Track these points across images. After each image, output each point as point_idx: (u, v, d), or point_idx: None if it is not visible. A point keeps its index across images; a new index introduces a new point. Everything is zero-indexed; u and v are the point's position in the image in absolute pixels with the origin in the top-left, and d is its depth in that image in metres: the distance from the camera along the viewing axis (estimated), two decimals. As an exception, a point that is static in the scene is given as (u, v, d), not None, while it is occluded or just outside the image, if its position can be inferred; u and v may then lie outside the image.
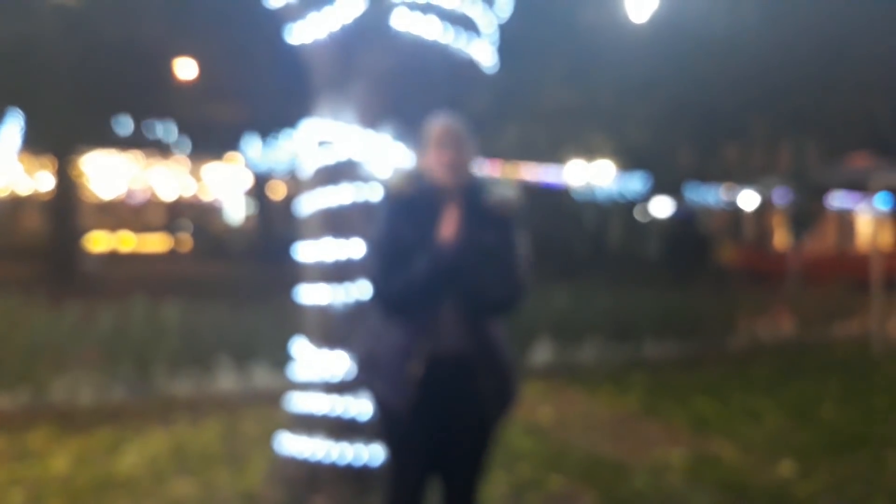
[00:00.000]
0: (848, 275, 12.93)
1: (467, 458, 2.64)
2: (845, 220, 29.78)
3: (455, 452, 2.61)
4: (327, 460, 3.59)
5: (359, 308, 3.53)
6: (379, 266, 2.56)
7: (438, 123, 2.65)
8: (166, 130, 20.84)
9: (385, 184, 2.75)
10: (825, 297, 10.29)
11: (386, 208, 2.63)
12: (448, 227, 2.50)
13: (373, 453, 3.53)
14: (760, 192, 20.56)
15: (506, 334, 2.70)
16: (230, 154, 25.54)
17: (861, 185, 12.64)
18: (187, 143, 22.54)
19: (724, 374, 7.41)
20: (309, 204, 3.76)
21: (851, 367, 7.92)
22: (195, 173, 30.56)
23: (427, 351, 2.48)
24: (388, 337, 2.56)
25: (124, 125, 19.39)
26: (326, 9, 3.62)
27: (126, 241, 28.84)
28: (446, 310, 2.50)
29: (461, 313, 2.51)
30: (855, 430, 5.47)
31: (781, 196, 17.33)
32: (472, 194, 2.61)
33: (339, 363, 3.58)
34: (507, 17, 3.95)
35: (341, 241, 3.61)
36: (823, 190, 16.44)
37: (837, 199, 20.14)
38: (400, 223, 2.56)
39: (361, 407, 3.53)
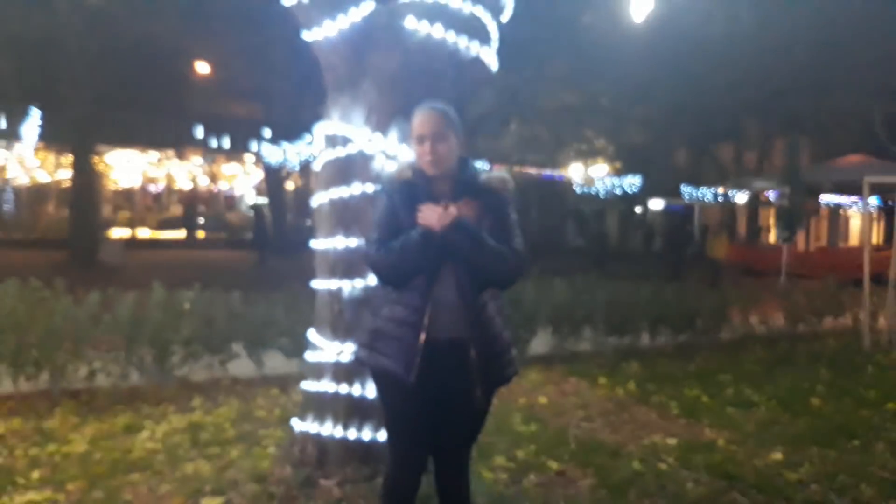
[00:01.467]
0: (839, 270, 13.11)
1: (459, 432, 2.76)
2: (837, 218, 29.99)
3: (448, 426, 2.71)
4: (336, 442, 3.69)
5: (368, 297, 3.62)
6: (377, 239, 2.65)
7: (416, 116, 2.69)
8: (183, 127, 21.01)
9: (389, 175, 2.86)
10: (816, 291, 10.44)
11: (386, 189, 2.74)
12: (428, 217, 2.55)
13: (380, 436, 3.60)
14: (754, 191, 20.67)
15: (504, 317, 2.77)
16: (245, 150, 25.80)
17: (853, 185, 12.84)
18: (204, 139, 22.69)
19: (717, 365, 7.54)
20: (321, 199, 3.85)
21: (841, 359, 8.04)
22: (212, 167, 30.67)
23: (431, 323, 2.57)
24: (391, 314, 2.64)
25: (142, 121, 19.57)
26: (337, 8, 3.66)
27: (144, 231, 29.12)
28: (445, 289, 2.58)
29: (459, 292, 2.58)
30: (844, 420, 5.58)
31: (775, 194, 17.48)
32: (463, 177, 2.70)
33: (349, 349, 3.66)
34: (507, 20, 3.97)
35: (351, 235, 3.69)
36: (816, 189, 16.61)
37: (830, 198, 20.29)
38: (398, 204, 2.65)
39: (369, 391, 3.63)
